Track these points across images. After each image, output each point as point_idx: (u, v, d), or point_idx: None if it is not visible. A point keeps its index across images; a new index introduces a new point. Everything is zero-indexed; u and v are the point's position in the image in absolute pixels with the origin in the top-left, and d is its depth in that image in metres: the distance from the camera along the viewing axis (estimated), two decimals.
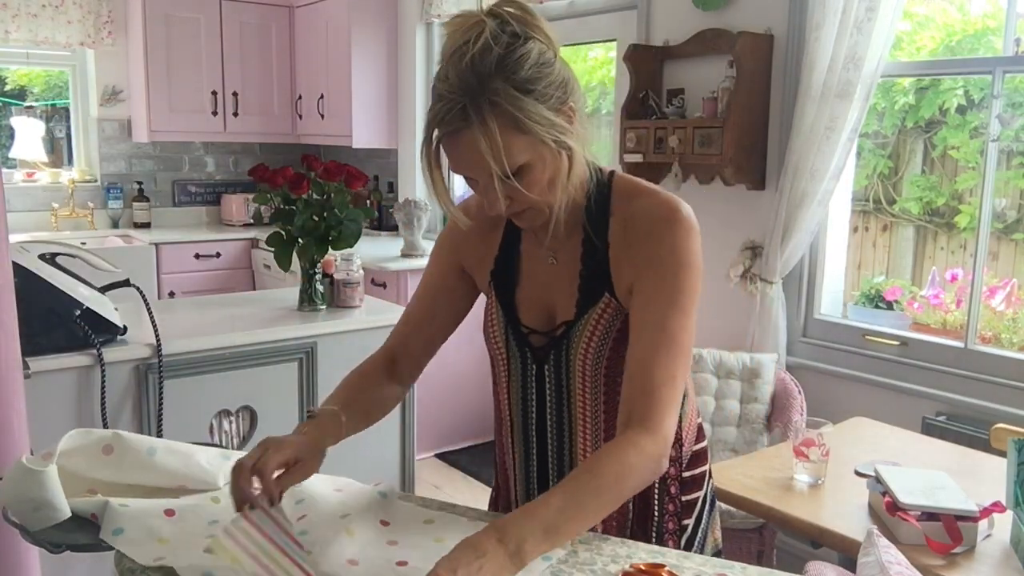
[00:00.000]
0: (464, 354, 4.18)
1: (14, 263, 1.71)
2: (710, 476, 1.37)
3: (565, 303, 1.23)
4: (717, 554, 1.38)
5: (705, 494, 1.35)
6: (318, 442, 1.19)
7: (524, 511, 1.01)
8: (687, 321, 1.14)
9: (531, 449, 1.32)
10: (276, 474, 1.11)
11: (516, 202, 1.13)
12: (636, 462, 1.06)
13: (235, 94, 5.00)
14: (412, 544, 1.16)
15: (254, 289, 4.80)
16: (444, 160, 1.12)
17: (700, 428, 1.36)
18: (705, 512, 1.35)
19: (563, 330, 1.23)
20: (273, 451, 1.11)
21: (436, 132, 1.09)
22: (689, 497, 1.32)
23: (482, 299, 1.37)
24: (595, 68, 4.20)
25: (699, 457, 1.34)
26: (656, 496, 1.29)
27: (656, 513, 1.29)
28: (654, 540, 1.29)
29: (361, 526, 1.19)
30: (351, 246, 2.55)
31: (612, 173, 1.25)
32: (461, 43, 1.06)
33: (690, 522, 1.32)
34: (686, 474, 1.31)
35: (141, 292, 2.23)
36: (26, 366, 1.89)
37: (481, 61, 1.05)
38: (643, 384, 1.11)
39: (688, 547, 1.31)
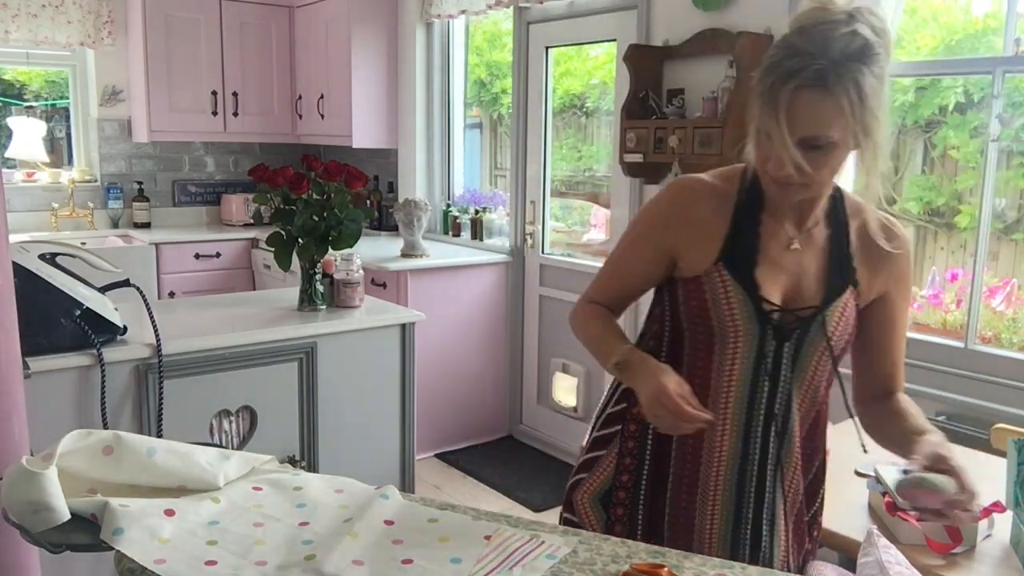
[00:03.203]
0: (464, 354, 4.18)
1: (14, 263, 1.71)
2: None
3: (812, 285, 1.32)
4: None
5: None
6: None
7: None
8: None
9: (755, 423, 1.34)
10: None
11: (801, 173, 1.19)
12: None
13: (235, 94, 5.01)
14: (417, 543, 1.16)
15: (254, 289, 4.80)
16: None
17: None
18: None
19: (813, 312, 1.31)
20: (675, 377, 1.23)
21: (784, 84, 1.15)
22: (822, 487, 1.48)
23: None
24: (595, 68, 4.20)
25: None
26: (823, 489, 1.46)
27: (819, 503, 1.46)
28: (817, 533, 1.47)
29: (364, 527, 1.19)
30: (351, 246, 2.55)
31: (838, 187, 1.36)
32: (831, 19, 1.15)
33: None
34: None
35: (141, 292, 2.23)
36: (26, 366, 1.89)
37: (852, 40, 1.14)
38: (897, 368, 1.42)
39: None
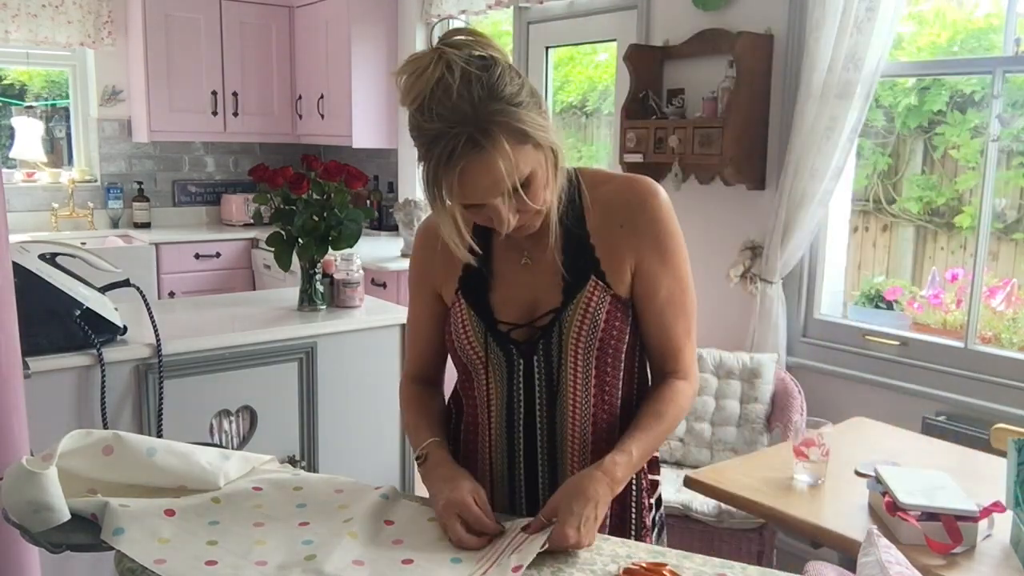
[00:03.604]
0: None
1: (14, 263, 1.71)
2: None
3: (548, 294, 1.27)
4: (662, 528, 1.44)
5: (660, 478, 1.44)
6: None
7: (622, 455, 1.21)
8: (689, 284, 1.30)
9: (516, 445, 1.32)
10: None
11: (524, 213, 1.17)
12: (684, 404, 1.30)
13: (235, 94, 5.01)
14: (417, 543, 1.16)
15: (254, 289, 4.80)
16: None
17: None
18: (660, 494, 1.44)
19: (551, 317, 1.26)
20: (473, 494, 1.21)
21: (445, 171, 1.09)
22: (656, 476, 1.40)
23: None
24: (595, 68, 4.20)
25: None
26: (634, 494, 1.35)
27: (634, 512, 1.35)
28: (633, 520, 1.35)
29: (364, 527, 1.19)
30: (351, 246, 2.55)
31: (575, 169, 1.30)
32: (435, 79, 1.07)
33: (655, 514, 1.41)
34: (652, 476, 1.39)
35: (141, 292, 2.23)
36: (26, 366, 1.89)
37: (468, 90, 1.06)
38: (670, 345, 1.30)
39: (655, 527, 1.40)
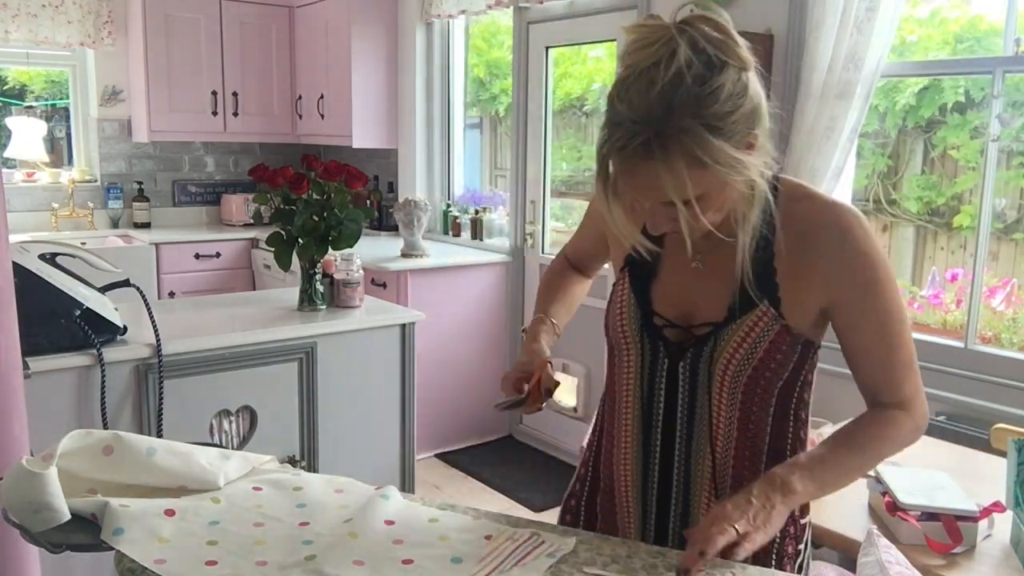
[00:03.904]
0: (464, 354, 4.19)
1: (14, 263, 1.71)
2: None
3: (712, 306, 1.19)
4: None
5: (809, 520, 1.32)
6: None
7: (800, 468, 1.13)
8: (903, 314, 1.18)
9: (653, 447, 1.26)
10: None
11: (683, 224, 1.08)
12: (896, 436, 1.21)
13: (235, 94, 5.01)
14: (417, 542, 1.16)
15: (254, 289, 4.80)
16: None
17: None
18: (808, 538, 1.31)
19: (710, 330, 1.18)
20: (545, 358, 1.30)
21: (616, 159, 1.03)
22: (803, 520, 1.28)
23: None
24: (596, 71, 4.20)
25: None
26: (776, 539, 1.23)
27: (778, 536, 1.23)
28: (773, 564, 1.24)
29: (364, 528, 1.19)
30: (351, 246, 2.55)
31: (777, 177, 1.18)
32: (649, 63, 1.00)
33: (803, 547, 1.28)
34: (802, 520, 1.28)
35: (141, 292, 2.23)
36: (26, 366, 1.89)
37: (672, 92, 0.98)
38: (885, 377, 1.20)
39: (800, 572, 1.27)
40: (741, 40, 1.05)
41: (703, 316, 1.19)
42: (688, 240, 1.09)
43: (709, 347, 1.18)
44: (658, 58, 0.99)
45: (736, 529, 1.05)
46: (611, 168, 1.05)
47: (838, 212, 1.16)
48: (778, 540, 1.23)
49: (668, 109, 0.99)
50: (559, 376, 1.30)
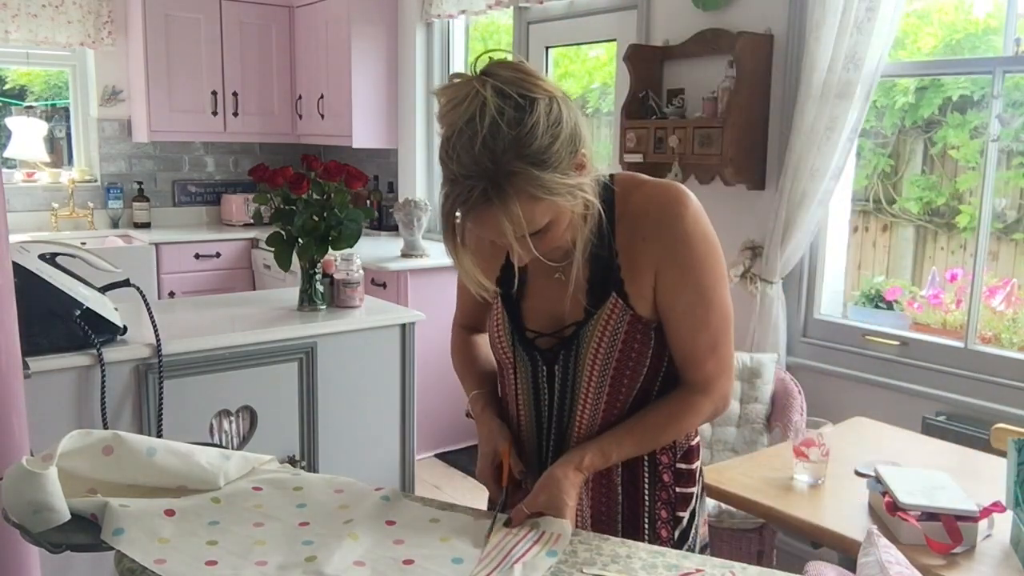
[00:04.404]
0: None
1: (14, 263, 1.71)
2: (701, 472, 1.42)
3: (575, 309, 1.27)
4: (704, 548, 1.42)
5: (700, 490, 1.40)
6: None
7: (599, 452, 1.26)
8: (717, 295, 1.25)
9: (545, 442, 1.36)
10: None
11: (543, 251, 1.17)
12: (691, 418, 1.29)
13: (235, 94, 5.00)
14: (418, 543, 1.16)
15: (254, 289, 4.80)
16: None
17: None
18: (697, 506, 1.39)
19: (573, 330, 1.28)
20: (505, 443, 1.34)
21: (459, 214, 1.11)
22: (685, 490, 1.36)
23: None
24: (595, 68, 4.20)
25: (693, 452, 1.38)
26: (647, 484, 1.34)
27: (647, 500, 1.34)
28: (646, 527, 1.33)
29: (365, 529, 1.19)
30: (351, 246, 2.55)
31: (612, 176, 1.27)
32: (465, 120, 1.06)
33: (685, 515, 1.36)
34: (681, 466, 1.35)
35: (141, 292, 2.23)
36: (26, 366, 1.89)
37: (493, 141, 1.05)
38: (689, 356, 1.27)
39: (682, 539, 1.36)
40: (540, 73, 1.12)
41: (569, 320, 1.28)
42: (542, 261, 1.18)
43: (575, 346, 1.28)
44: (471, 113, 1.06)
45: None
46: (456, 222, 1.13)
47: (661, 191, 1.24)
48: (648, 504, 1.33)
49: (493, 158, 1.06)
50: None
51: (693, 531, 1.38)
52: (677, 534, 1.35)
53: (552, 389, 1.32)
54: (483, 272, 1.32)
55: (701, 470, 1.41)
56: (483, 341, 1.50)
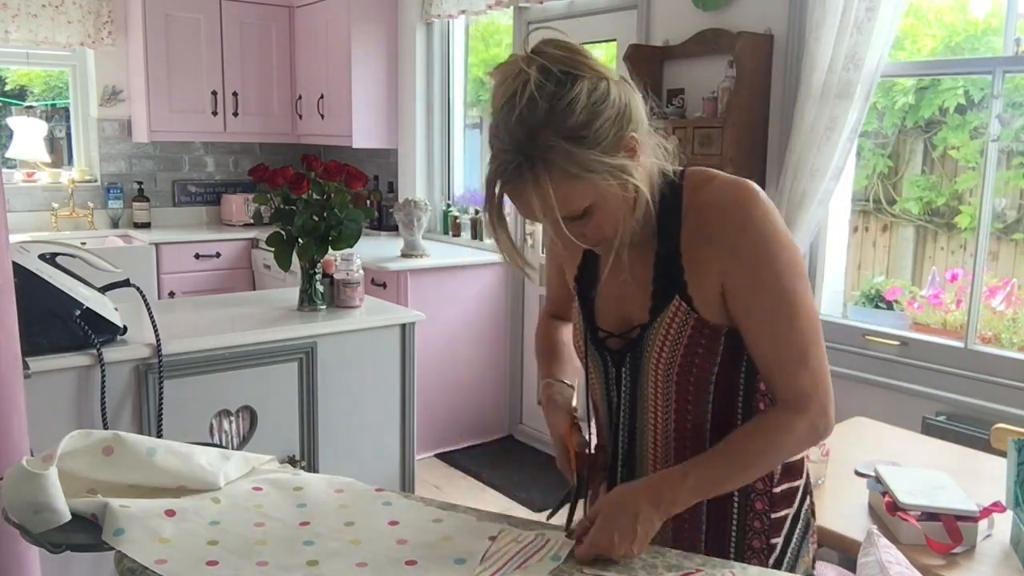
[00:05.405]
0: (464, 354, 4.19)
1: (14, 263, 1.71)
2: (806, 493, 1.30)
3: (639, 309, 1.21)
4: None
5: (798, 512, 1.28)
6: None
7: (679, 477, 1.15)
8: (799, 298, 1.14)
9: (618, 448, 1.31)
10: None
11: (588, 238, 1.14)
12: (784, 439, 1.16)
13: (235, 94, 5.00)
14: (421, 543, 1.16)
15: (254, 289, 4.80)
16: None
17: None
18: (797, 532, 1.27)
19: (638, 333, 1.22)
20: (563, 426, 1.31)
21: (496, 188, 1.09)
22: (778, 514, 1.25)
23: None
24: None
25: (791, 471, 1.27)
26: (736, 510, 1.24)
27: (735, 528, 1.24)
28: (733, 557, 1.23)
29: (367, 531, 1.19)
30: (351, 246, 2.55)
31: (684, 171, 1.21)
32: (509, 95, 1.05)
33: (779, 541, 1.25)
34: (776, 489, 1.25)
35: (141, 292, 2.23)
36: (26, 366, 1.88)
37: (530, 115, 1.04)
38: (776, 370, 1.15)
39: (777, 567, 1.25)
40: (591, 53, 1.09)
41: (635, 321, 1.22)
42: (603, 256, 1.17)
43: (640, 349, 1.21)
44: (513, 89, 1.05)
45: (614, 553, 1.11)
46: (496, 197, 1.11)
47: (727, 189, 1.15)
48: (736, 532, 1.23)
49: (529, 132, 1.04)
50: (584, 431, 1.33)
51: (790, 559, 1.26)
52: (771, 562, 1.24)
53: (620, 392, 1.27)
54: (567, 263, 1.33)
55: (807, 490, 1.29)
56: (566, 329, 1.46)
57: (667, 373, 1.19)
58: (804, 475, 1.30)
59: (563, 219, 1.08)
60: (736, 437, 1.17)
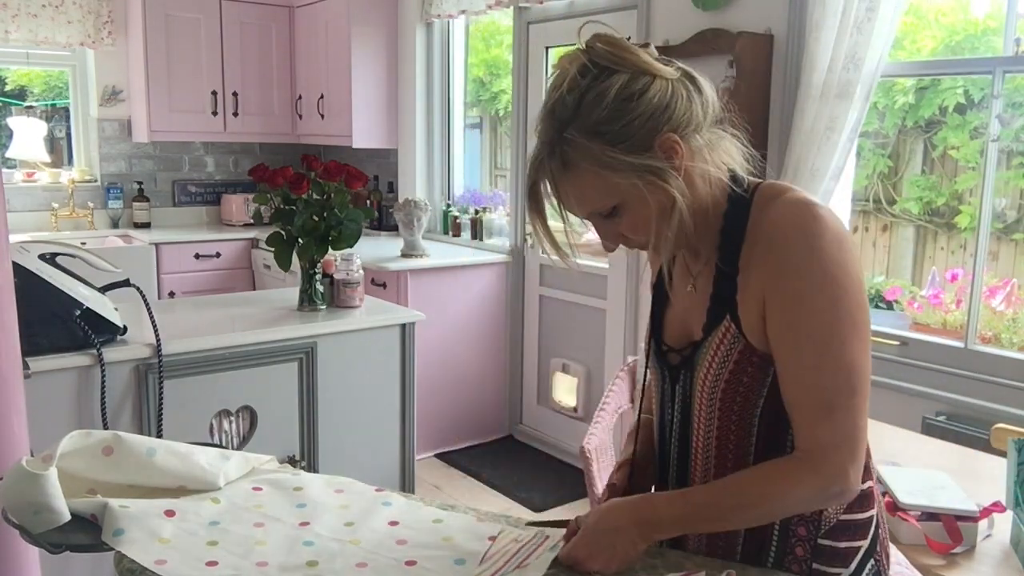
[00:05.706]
0: (464, 354, 4.19)
1: (14, 263, 1.71)
2: (878, 525, 1.17)
3: (697, 326, 1.16)
4: None
5: (872, 545, 1.15)
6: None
7: (665, 501, 1.13)
8: (837, 344, 1.02)
9: (669, 466, 1.25)
10: None
11: (626, 239, 1.12)
12: (788, 490, 1.05)
13: (235, 94, 5.00)
14: (421, 543, 1.16)
15: (254, 289, 4.80)
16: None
17: (866, 468, 1.14)
18: (868, 568, 1.15)
19: (691, 350, 1.16)
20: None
21: (531, 178, 1.11)
22: (847, 544, 1.13)
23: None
24: None
25: (861, 501, 1.14)
26: (776, 536, 1.13)
27: (774, 551, 1.14)
28: (771, 565, 1.14)
29: (367, 531, 1.19)
30: (351, 246, 2.55)
31: (758, 184, 1.15)
32: (550, 88, 1.08)
33: (845, 572, 1.13)
34: (844, 516, 1.13)
35: (141, 292, 2.23)
36: (26, 366, 1.89)
37: (562, 106, 1.05)
38: (795, 413, 1.05)
39: None
40: (641, 50, 1.08)
41: (693, 338, 1.16)
42: (650, 261, 1.15)
43: (691, 367, 1.16)
44: (555, 83, 1.08)
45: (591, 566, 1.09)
46: (529, 186, 1.11)
47: (786, 209, 1.07)
48: (774, 554, 1.14)
49: (558, 124, 1.05)
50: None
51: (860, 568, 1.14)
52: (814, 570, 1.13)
53: (673, 408, 1.21)
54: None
55: (879, 522, 1.16)
56: None
57: (711, 396, 1.12)
58: (876, 505, 1.17)
59: (591, 215, 1.09)
60: (739, 475, 1.10)
